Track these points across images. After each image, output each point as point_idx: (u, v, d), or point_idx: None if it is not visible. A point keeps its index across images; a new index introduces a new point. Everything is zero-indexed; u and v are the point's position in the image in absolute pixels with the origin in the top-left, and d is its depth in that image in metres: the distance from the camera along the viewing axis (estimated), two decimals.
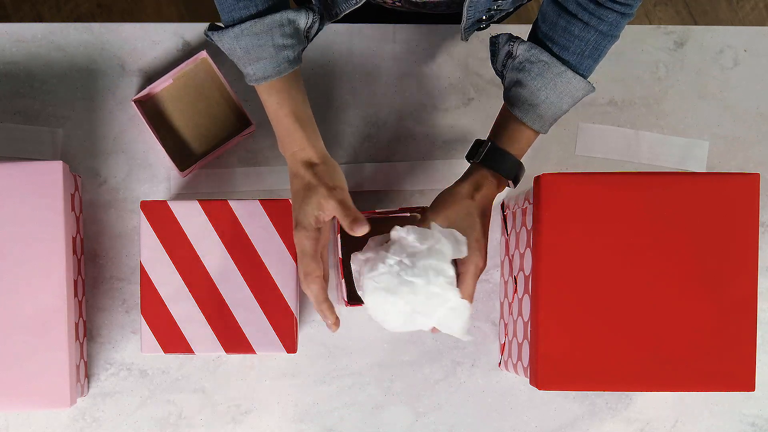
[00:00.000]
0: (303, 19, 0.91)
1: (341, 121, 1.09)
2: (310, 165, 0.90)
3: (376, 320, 0.89)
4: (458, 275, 0.89)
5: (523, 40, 0.93)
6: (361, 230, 0.87)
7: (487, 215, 0.92)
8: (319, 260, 0.90)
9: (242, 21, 0.88)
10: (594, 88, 0.93)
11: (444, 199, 0.92)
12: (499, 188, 0.93)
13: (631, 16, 0.93)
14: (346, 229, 0.87)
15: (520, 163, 0.93)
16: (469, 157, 0.94)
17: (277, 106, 0.91)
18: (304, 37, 0.93)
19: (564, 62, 0.91)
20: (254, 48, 0.89)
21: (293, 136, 0.91)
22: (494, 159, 0.92)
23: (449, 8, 1.09)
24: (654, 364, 0.89)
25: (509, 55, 0.94)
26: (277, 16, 0.88)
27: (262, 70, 0.90)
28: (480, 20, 1.02)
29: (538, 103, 0.91)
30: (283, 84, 0.91)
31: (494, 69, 0.98)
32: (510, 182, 0.94)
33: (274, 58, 0.89)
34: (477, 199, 0.91)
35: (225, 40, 0.90)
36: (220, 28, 0.91)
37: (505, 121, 0.94)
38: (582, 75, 0.92)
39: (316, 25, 0.94)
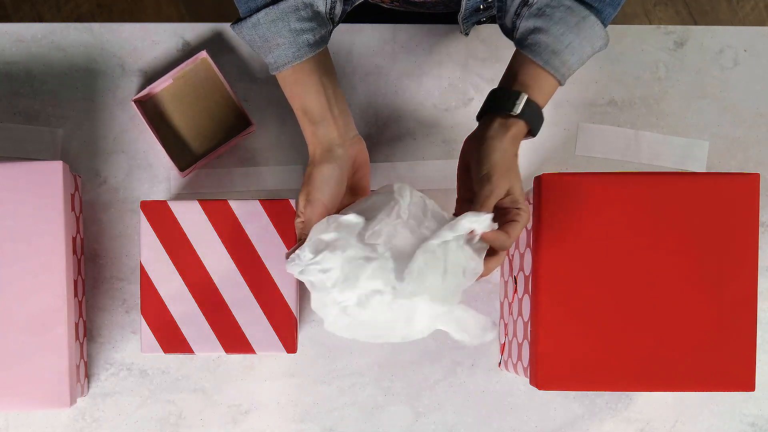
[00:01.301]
0: (321, 2, 0.90)
1: None
2: (311, 162, 0.90)
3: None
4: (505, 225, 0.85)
5: None
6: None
7: (515, 161, 0.89)
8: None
9: (258, 10, 0.88)
10: (609, 39, 0.90)
11: (500, 160, 0.87)
12: (518, 133, 0.89)
13: None
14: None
15: (529, 97, 0.89)
16: (492, 109, 0.89)
17: (290, 98, 0.91)
18: (328, 19, 0.92)
19: (588, 6, 0.89)
20: (272, 35, 0.88)
21: (304, 130, 0.91)
22: (530, 113, 0.88)
23: (447, 7, 1.09)
24: (654, 364, 0.89)
25: (524, 3, 0.91)
26: (292, 1, 0.87)
27: (282, 56, 0.89)
28: (478, 9, 1.01)
29: (562, 49, 0.88)
30: (296, 75, 0.90)
31: (501, 25, 0.95)
32: (530, 129, 0.90)
33: (292, 43, 0.88)
34: (503, 147, 0.88)
35: (245, 31, 0.90)
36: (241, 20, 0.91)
37: (519, 69, 0.89)
38: (603, 22, 0.90)
39: (339, 4, 0.92)
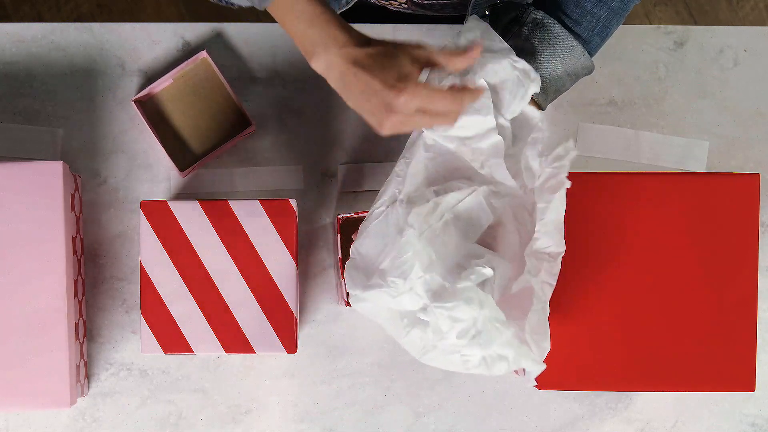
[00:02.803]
0: None
1: (341, 121, 1.09)
2: (369, 42, 0.81)
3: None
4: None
5: (534, 9, 0.90)
6: (475, 52, 0.80)
7: None
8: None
9: None
10: (594, 68, 0.91)
11: None
12: None
13: None
14: (460, 59, 0.80)
15: None
16: None
17: (316, 6, 0.81)
18: None
19: (576, 36, 0.89)
20: None
21: (340, 29, 0.81)
22: None
23: (455, 9, 1.09)
24: (654, 364, 0.89)
25: (516, 20, 0.91)
26: None
27: None
28: (484, 15, 1.01)
29: (545, 75, 0.89)
30: None
31: None
32: None
33: None
34: None
35: None
36: None
37: None
38: (590, 53, 0.90)
39: None
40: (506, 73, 0.85)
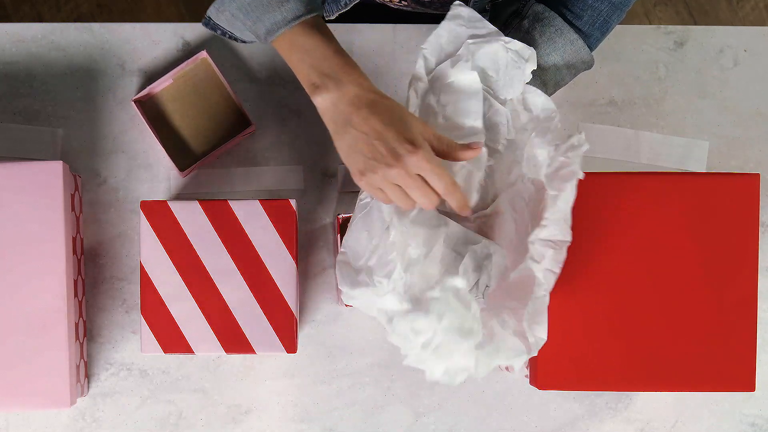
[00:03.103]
0: None
1: None
2: (386, 96, 0.82)
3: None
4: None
5: (534, 2, 0.89)
6: (473, 153, 0.81)
7: None
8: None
9: None
10: (594, 63, 0.91)
11: None
12: None
13: None
14: (454, 155, 0.81)
15: None
16: None
17: (323, 41, 0.82)
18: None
19: (577, 30, 0.89)
20: None
21: (352, 65, 0.82)
22: None
23: None
24: (654, 364, 0.89)
25: (517, 14, 0.90)
26: None
27: (292, 10, 0.82)
28: (485, 10, 1.01)
29: (546, 67, 0.89)
30: (319, 22, 0.84)
31: None
32: None
33: None
34: None
35: None
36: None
37: None
38: (590, 47, 0.90)
39: None
40: (499, 56, 0.85)
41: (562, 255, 0.84)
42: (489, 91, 0.87)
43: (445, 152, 0.80)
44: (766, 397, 1.09)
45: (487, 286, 0.83)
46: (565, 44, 0.88)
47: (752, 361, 0.89)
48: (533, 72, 0.89)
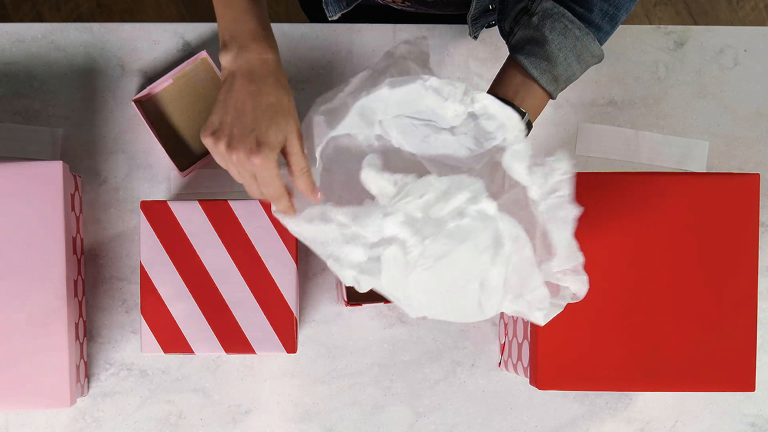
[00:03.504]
0: None
1: None
2: (282, 86, 0.81)
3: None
4: None
5: None
6: (311, 196, 0.81)
7: None
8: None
9: None
10: (604, 56, 0.91)
11: None
12: None
13: None
14: (298, 181, 0.80)
15: (531, 127, 0.90)
16: None
17: (252, 3, 0.81)
18: None
19: (588, 24, 0.89)
20: None
21: (267, 40, 0.81)
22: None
23: (458, 8, 1.08)
24: (654, 364, 0.89)
25: (525, 11, 0.91)
26: None
27: None
28: (488, 10, 1.01)
29: (557, 63, 0.88)
30: None
31: (500, 28, 0.95)
32: None
33: None
34: None
35: None
36: None
37: (514, 80, 0.89)
38: (600, 41, 0.90)
39: None
40: (418, 95, 0.81)
41: (583, 276, 0.81)
42: (429, 123, 0.85)
43: (293, 173, 0.81)
44: (766, 397, 1.09)
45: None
46: (575, 39, 0.88)
47: (752, 361, 0.89)
48: (544, 68, 0.88)
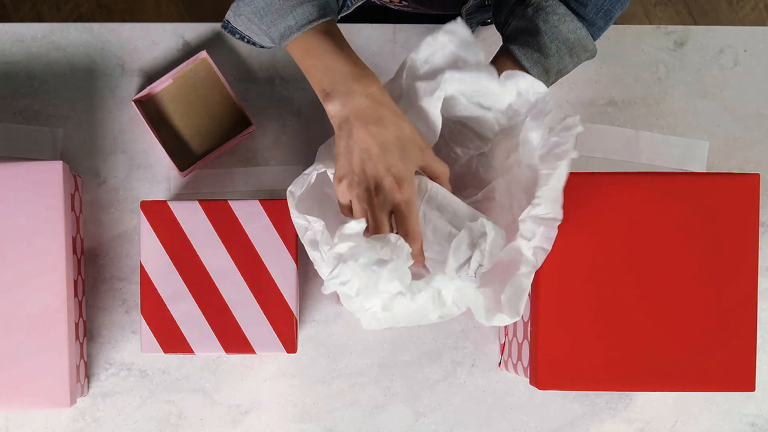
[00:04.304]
0: None
1: None
2: (397, 112, 0.82)
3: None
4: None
5: None
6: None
7: None
8: None
9: None
10: (596, 52, 0.92)
11: None
12: None
13: None
14: (443, 180, 0.84)
15: None
16: None
17: (333, 48, 0.82)
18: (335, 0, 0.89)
19: (581, 18, 0.90)
20: None
21: (366, 74, 0.82)
22: None
23: (455, 7, 1.08)
24: (654, 364, 0.89)
25: (521, 1, 0.91)
26: None
27: (306, 14, 0.82)
28: (484, 5, 1.01)
29: (548, 55, 0.89)
30: (332, 28, 0.84)
31: (495, 20, 0.95)
32: None
33: (317, 1, 0.83)
34: None
35: None
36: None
37: (505, 69, 0.89)
38: (593, 35, 0.91)
39: None
40: (477, 87, 0.87)
41: (554, 232, 0.85)
42: (471, 102, 0.89)
43: (434, 176, 0.84)
44: (766, 397, 1.09)
45: (480, 265, 0.83)
46: (568, 32, 0.88)
47: (752, 361, 0.89)
48: (536, 59, 0.89)
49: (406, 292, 0.81)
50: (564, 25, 0.88)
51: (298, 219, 0.88)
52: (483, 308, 0.85)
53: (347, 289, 0.82)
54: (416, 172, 0.85)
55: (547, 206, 0.84)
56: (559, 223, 0.85)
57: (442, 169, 0.85)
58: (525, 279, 0.85)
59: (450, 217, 0.85)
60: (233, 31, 0.94)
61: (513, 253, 0.86)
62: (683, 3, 1.96)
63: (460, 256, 0.82)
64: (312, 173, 0.88)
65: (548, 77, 0.90)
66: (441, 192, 0.86)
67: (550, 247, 0.85)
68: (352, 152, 0.81)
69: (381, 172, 0.80)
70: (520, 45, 0.89)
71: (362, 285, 0.81)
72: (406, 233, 0.82)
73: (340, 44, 0.83)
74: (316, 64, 0.83)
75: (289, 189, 0.88)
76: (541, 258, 0.85)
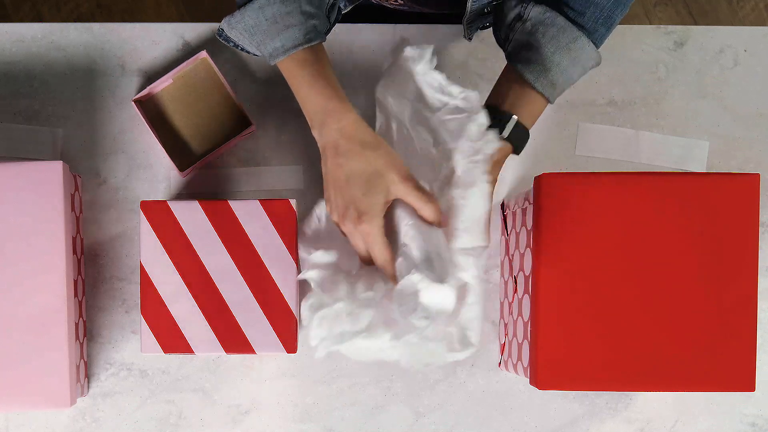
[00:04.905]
0: None
1: None
2: (369, 145, 0.84)
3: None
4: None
5: (535, 3, 0.90)
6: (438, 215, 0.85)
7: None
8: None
9: None
10: (601, 59, 0.92)
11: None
12: (505, 155, 0.93)
13: None
14: (423, 213, 0.85)
15: (518, 121, 0.91)
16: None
17: (312, 79, 0.86)
18: (326, 16, 0.91)
19: (580, 27, 0.90)
20: (281, 15, 0.85)
21: (340, 109, 0.85)
22: (517, 135, 0.91)
23: (452, 7, 1.08)
24: (654, 364, 0.89)
25: (519, 17, 0.91)
26: None
27: (291, 38, 0.85)
28: (483, 13, 1.01)
29: (551, 67, 0.89)
30: (317, 54, 0.87)
31: (496, 37, 0.96)
32: (513, 149, 0.94)
33: (303, 24, 0.85)
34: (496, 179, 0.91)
35: (248, 15, 0.86)
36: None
37: (508, 84, 0.91)
38: (595, 43, 0.91)
39: (337, 5, 0.92)
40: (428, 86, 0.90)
41: (483, 261, 0.86)
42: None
43: (416, 209, 0.85)
44: (766, 397, 1.09)
45: (426, 317, 0.83)
46: (568, 42, 0.89)
47: (752, 361, 0.89)
48: (539, 72, 0.89)
49: (363, 332, 0.85)
50: (564, 36, 0.89)
51: (305, 274, 0.92)
52: (443, 349, 0.87)
53: (325, 342, 0.86)
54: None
55: (466, 238, 0.85)
56: (488, 248, 0.86)
57: (418, 204, 0.84)
58: (475, 307, 0.87)
59: (420, 256, 0.84)
60: (227, 40, 0.95)
61: (458, 284, 0.86)
62: (683, 3, 1.96)
63: (404, 304, 0.83)
64: (315, 209, 0.94)
65: (554, 89, 0.90)
66: (410, 232, 0.85)
67: (486, 276, 0.85)
68: (326, 181, 0.86)
69: (346, 204, 0.84)
70: (523, 60, 0.90)
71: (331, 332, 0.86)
72: (378, 264, 0.86)
73: (320, 73, 0.86)
74: (298, 90, 0.87)
75: (302, 228, 0.93)
76: (484, 286, 0.87)
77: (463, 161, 0.86)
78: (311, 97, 0.86)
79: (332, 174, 0.85)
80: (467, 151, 0.85)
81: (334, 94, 0.85)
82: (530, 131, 0.94)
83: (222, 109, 1.07)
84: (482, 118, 0.86)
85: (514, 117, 0.90)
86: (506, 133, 0.90)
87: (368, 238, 0.84)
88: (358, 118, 0.85)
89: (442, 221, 0.86)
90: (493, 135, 0.86)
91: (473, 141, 0.85)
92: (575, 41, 0.89)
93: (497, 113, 0.91)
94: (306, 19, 0.86)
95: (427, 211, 0.84)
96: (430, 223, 0.85)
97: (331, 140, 0.85)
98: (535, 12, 0.89)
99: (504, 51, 0.95)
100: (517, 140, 0.91)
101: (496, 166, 0.91)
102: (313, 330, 0.86)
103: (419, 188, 0.84)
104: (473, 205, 0.85)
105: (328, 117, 0.85)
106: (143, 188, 1.08)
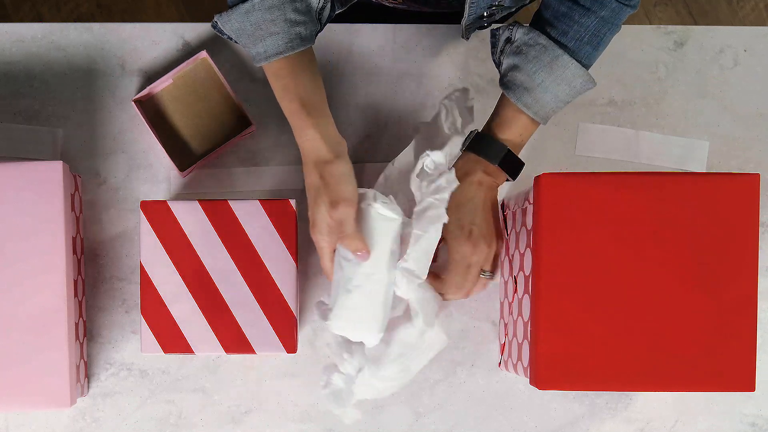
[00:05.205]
0: None
1: (341, 121, 1.09)
2: (320, 163, 0.89)
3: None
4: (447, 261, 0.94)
5: (522, 25, 0.92)
6: (362, 259, 0.89)
7: (476, 200, 0.92)
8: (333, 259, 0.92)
9: None
10: (594, 81, 0.93)
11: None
12: (494, 177, 0.93)
13: (633, 8, 0.92)
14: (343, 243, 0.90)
15: (509, 150, 0.92)
16: (474, 150, 0.94)
17: (283, 91, 0.89)
18: (317, 19, 0.92)
19: (562, 46, 0.90)
20: (265, 22, 0.87)
21: (301, 126, 0.89)
22: (479, 145, 0.93)
23: (450, 6, 1.09)
24: (654, 364, 0.89)
25: (508, 40, 0.93)
26: None
27: (273, 46, 0.87)
28: (481, 17, 1.01)
29: (534, 86, 0.90)
30: (292, 66, 0.89)
31: (494, 61, 0.97)
32: (507, 175, 0.94)
33: (286, 32, 0.87)
34: (463, 185, 0.91)
35: (234, 18, 0.88)
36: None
37: (500, 108, 0.94)
38: (580, 62, 0.91)
39: (328, 6, 0.92)
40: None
41: (412, 287, 0.91)
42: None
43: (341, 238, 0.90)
44: (766, 397, 1.09)
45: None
46: (550, 61, 0.90)
47: (752, 361, 0.89)
48: (520, 93, 0.92)
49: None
50: (545, 55, 0.90)
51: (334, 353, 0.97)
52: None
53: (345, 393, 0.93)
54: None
55: (413, 264, 0.90)
56: (420, 282, 0.91)
57: (341, 231, 0.90)
58: (414, 328, 0.92)
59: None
60: (221, 32, 0.96)
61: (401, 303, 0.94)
62: (683, 3, 1.96)
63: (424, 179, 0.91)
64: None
65: (540, 108, 0.92)
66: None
67: (407, 298, 0.91)
68: (313, 205, 0.92)
69: (309, 209, 0.92)
70: (509, 83, 0.92)
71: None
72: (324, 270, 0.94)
73: (289, 87, 0.89)
74: (277, 95, 0.91)
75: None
76: (428, 310, 0.92)
77: (426, 196, 0.90)
78: (283, 107, 0.91)
79: (305, 178, 0.91)
80: (432, 187, 0.90)
81: (298, 109, 0.89)
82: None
83: (222, 109, 1.07)
84: (436, 156, 0.91)
85: (505, 149, 0.93)
86: (496, 161, 0.93)
87: (317, 246, 0.91)
88: (315, 136, 0.88)
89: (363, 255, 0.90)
90: (452, 174, 0.90)
91: (431, 177, 0.91)
92: (556, 59, 0.90)
93: (488, 140, 0.93)
94: (290, 27, 0.87)
95: (348, 241, 0.90)
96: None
97: (302, 148, 0.91)
98: (520, 33, 0.91)
99: (499, 74, 0.97)
100: (511, 168, 0.94)
101: (490, 190, 0.93)
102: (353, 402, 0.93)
103: (345, 225, 0.89)
104: (429, 239, 0.89)
105: (298, 128, 0.90)
106: (143, 188, 1.08)
